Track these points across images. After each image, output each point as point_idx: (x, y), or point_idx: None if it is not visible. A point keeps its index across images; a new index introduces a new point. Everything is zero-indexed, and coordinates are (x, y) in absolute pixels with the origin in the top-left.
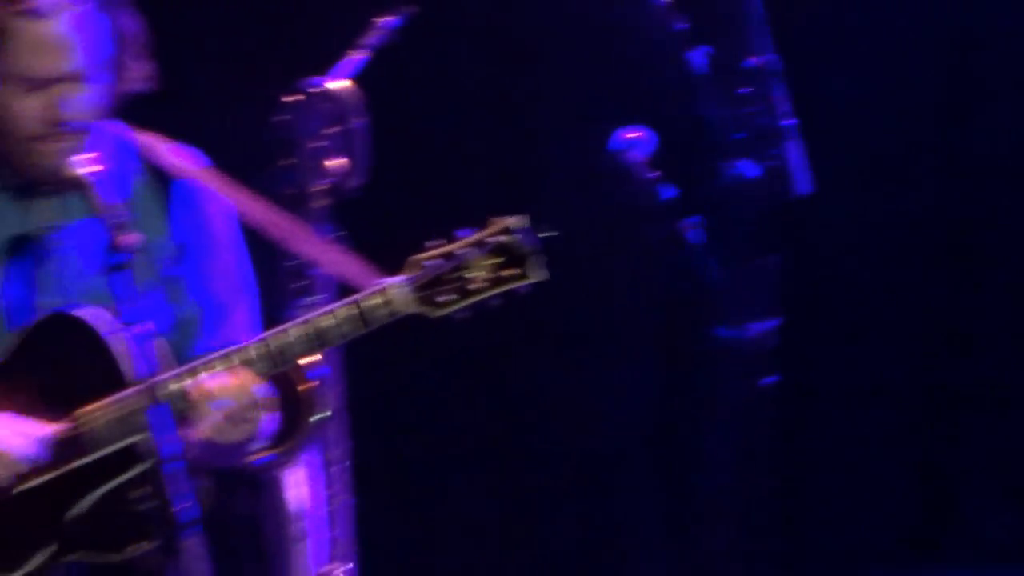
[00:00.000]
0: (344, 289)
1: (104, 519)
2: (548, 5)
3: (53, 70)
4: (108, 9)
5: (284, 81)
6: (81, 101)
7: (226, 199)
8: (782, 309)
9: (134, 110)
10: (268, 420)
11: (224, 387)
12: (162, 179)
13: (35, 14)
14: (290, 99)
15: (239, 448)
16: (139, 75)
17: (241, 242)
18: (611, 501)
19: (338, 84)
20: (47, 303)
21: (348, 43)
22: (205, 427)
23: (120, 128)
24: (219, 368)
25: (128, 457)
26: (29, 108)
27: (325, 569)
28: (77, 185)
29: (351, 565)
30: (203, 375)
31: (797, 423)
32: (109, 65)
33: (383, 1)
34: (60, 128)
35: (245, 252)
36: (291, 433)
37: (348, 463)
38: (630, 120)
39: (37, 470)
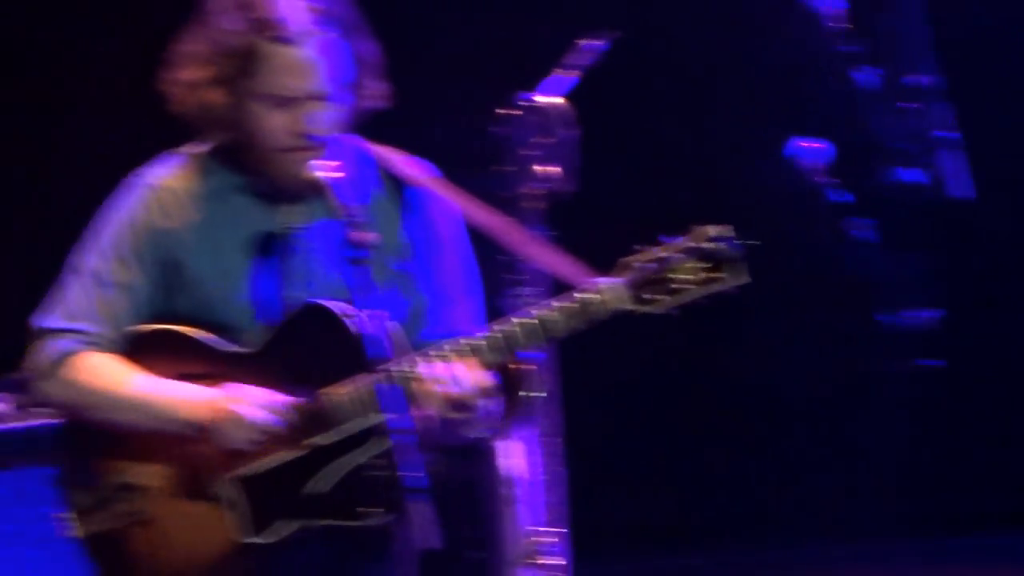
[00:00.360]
0: (558, 287)
1: (344, 489)
2: (738, 32)
3: (299, 90)
4: (349, 35)
5: (502, 96)
6: (323, 117)
7: (452, 204)
8: (944, 301)
9: (371, 124)
10: (491, 405)
11: (453, 375)
12: (396, 186)
13: (285, 40)
14: (507, 112)
15: (463, 428)
16: (375, 94)
17: (467, 243)
18: (788, 461)
19: (549, 99)
20: (292, 296)
21: (558, 62)
22: (433, 409)
23: (357, 141)
24: (450, 355)
25: (366, 433)
26: (277, 123)
27: (539, 531)
28: (319, 189)
29: (564, 529)
30: (436, 362)
31: (957, 404)
32: (349, 85)
33: (592, 25)
34: (304, 141)
35: (470, 252)
36: (513, 406)
37: (560, 437)
38: (807, 131)
39: (285, 442)
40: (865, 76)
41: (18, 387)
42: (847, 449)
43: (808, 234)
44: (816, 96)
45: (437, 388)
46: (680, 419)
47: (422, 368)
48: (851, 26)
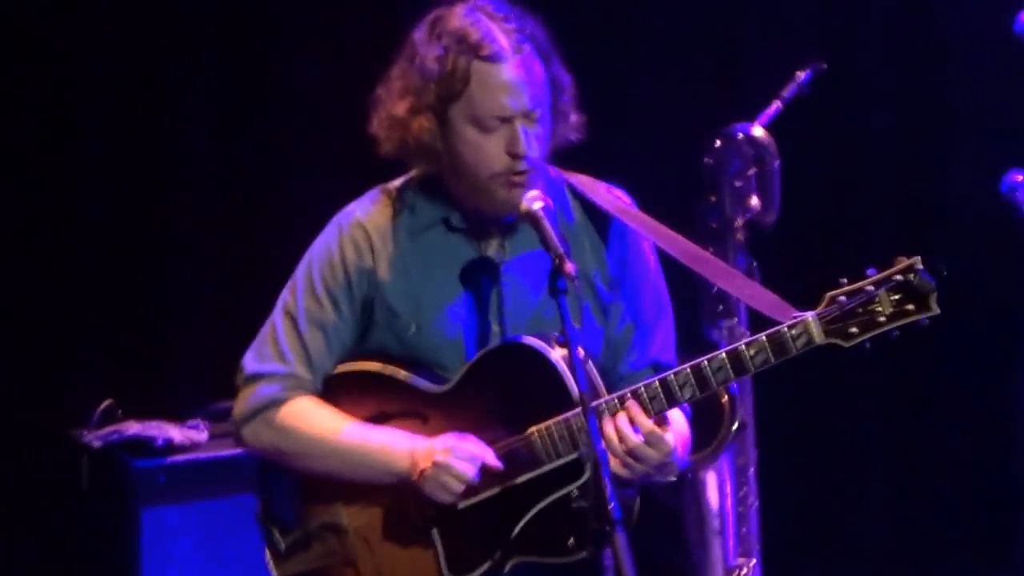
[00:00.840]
0: (756, 318)
1: (547, 526)
2: (950, 64)
3: (512, 108)
4: (544, 56)
5: (710, 125)
6: (534, 137)
7: (648, 233)
8: None
9: (578, 152)
10: (682, 452)
11: (629, 429)
12: (597, 216)
13: (493, 58)
14: (715, 142)
15: (651, 476)
16: (574, 124)
17: (659, 270)
18: (995, 494)
19: (757, 130)
20: (498, 329)
21: (768, 92)
22: (617, 458)
23: (554, 170)
24: (633, 403)
25: (570, 471)
26: (491, 146)
27: (736, 562)
28: (525, 219)
29: (755, 560)
30: (623, 421)
31: None
32: (551, 109)
33: (800, 56)
34: (518, 163)
35: (663, 279)
36: (712, 439)
37: (755, 468)
38: (1019, 163)
39: (490, 484)
40: None
41: (214, 416)
42: None
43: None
44: None
45: (616, 442)
46: (874, 451)
47: (607, 427)
48: None
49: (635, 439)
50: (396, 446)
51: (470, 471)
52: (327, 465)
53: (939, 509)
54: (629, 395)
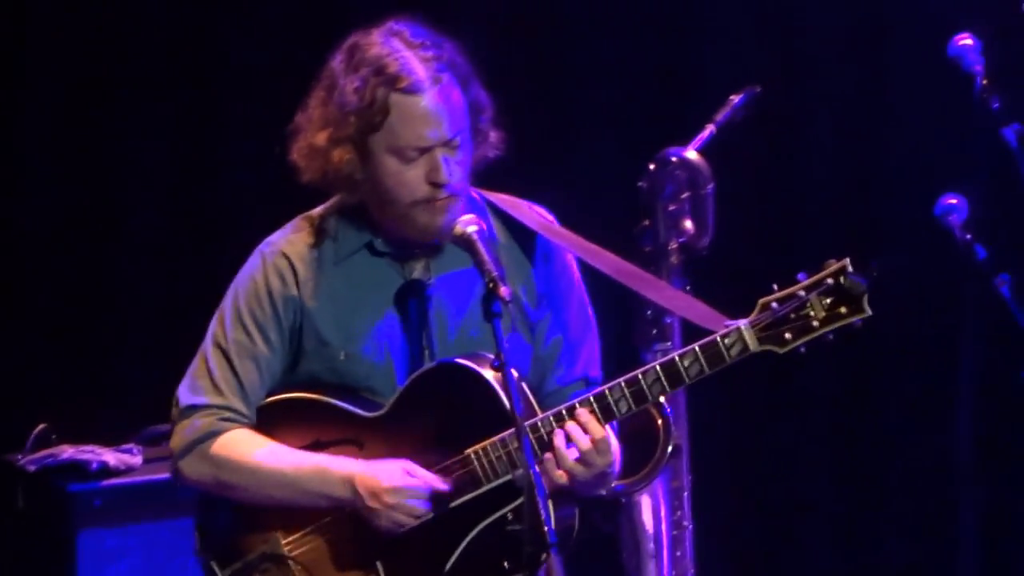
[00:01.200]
0: (695, 335)
1: (487, 547)
2: (877, 88)
3: (431, 138)
4: (463, 81)
5: (646, 150)
6: (455, 165)
7: (575, 249)
8: None
9: (506, 174)
10: (618, 461)
11: (582, 430)
12: (521, 235)
13: (411, 90)
14: (649, 166)
15: (594, 485)
16: (493, 142)
17: (582, 286)
18: (937, 522)
19: (691, 154)
20: (428, 351)
21: (703, 117)
22: (561, 467)
23: (478, 192)
24: (583, 411)
25: (509, 491)
26: (411, 175)
27: None
28: (460, 243)
29: None
30: (566, 422)
31: None
32: (471, 132)
33: (736, 80)
34: (440, 191)
35: (586, 296)
36: (647, 462)
37: (689, 491)
38: (951, 188)
39: (435, 505)
40: (1008, 131)
41: (148, 440)
42: (1001, 512)
43: (956, 289)
44: (961, 151)
45: (565, 450)
46: (814, 470)
47: (557, 427)
48: (989, 81)
49: (586, 444)
50: (332, 469)
51: (421, 505)
52: (266, 494)
53: (880, 532)
54: (575, 405)
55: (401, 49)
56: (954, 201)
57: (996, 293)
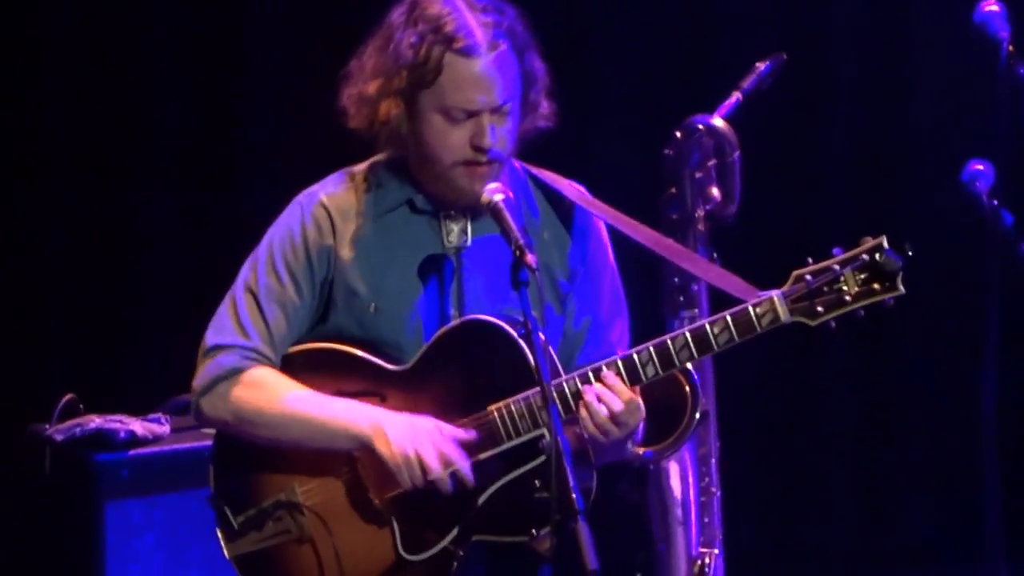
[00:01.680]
0: (722, 303)
1: (505, 505)
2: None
3: (481, 103)
4: (520, 51)
5: (672, 118)
6: (501, 133)
7: (613, 222)
8: None
9: (540, 145)
10: (640, 422)
11: (611, 392)
12: (561, 209)
13: (468, 52)
14: (676, 134)
15: (619, 446)
16: (544, 113)
17: (616, 267)
18: (959, 490)
19: (717, 121)
20: (457, 313)
21: (729, 84)
22: (591, 425)
23: (521, 164)
24: (610, 371)
25: (529, 450)
26: (456, 136)
27: (700, 552)
28: (486, 211)
29: (718, 551)
30: (594, 382)
31: None
32: (522, 102)
33: (762, 48)
34: (481, 156)
35: (618, 272)
36: (675, 429)
37: (717, 458)
38: (977, 154)
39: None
40: None
41: (176, 410)
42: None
43: (981, 256)
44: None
45: (597, 406)
46: (840, 437)
47: (585, 387)
48: (1016, 48)
49: (617, 404)
50: (359, 411)
51: (452, 456)
52: (287, 433)
53: (904, 500)
54: (602, 367)
55: (462, 10)
56: (980, 167)
57: (1022, 259)
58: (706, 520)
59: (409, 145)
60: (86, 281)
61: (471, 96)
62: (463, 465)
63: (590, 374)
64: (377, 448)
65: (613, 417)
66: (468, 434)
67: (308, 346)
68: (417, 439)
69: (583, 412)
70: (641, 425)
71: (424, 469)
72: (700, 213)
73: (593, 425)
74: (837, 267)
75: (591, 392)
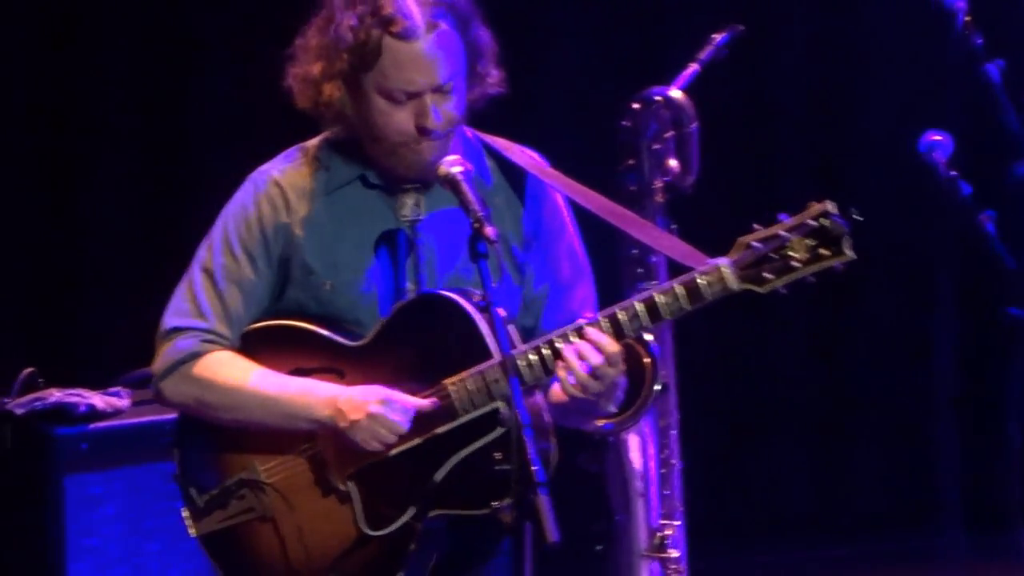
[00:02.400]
0: (680, 273)
1: (464, 479)
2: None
3: (421, 84)
4: (463, 25)
5: (629, 90)
6: (445, 110)
7: (565, 190)
8: None
9: (495, 116)
10: (621, 381)
11: (588, 347)
12: (514, 176)
13: (405, 35)
14: (633, 106)
15: (595, 407)
16: (492, 82)
17: (575, 229)
18: (916, 459)
19: (674, 93)
20: (413, 287)
21: (686, 56)
22: (572, 383)
23: (470, 131)
24: (573, 338)
25: (487, 423)
26: (399, 117)
27: (660, 524)
28: (444, 184)
29: (679, 522)
30: (563, 344)
31: None
32: (468, 74)
33: (717, 19)
34: (426, 135)
35: (579, 238)
36: (634, 400)
37: (677, 430)
38: (934, 125)
39: (408, 436)
40: (990, 68)
41: (136, 383)
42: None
43: (938, 227)
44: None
45: (577, 362)
46: (799, 406)
47: (562, 346)
48: (972, 18)
49: (597, 359)
50: (316, 393)
51: (404, 422)
52: (248, 415)
53: (862, 470)
54: (548, 342)
55: None
56: (938, 138)
57: (981, 229)
58: (666, 492)
59: (355, 124)
60: (42, 253)
61: (412, 77)
62: (410, 407)
63: (551, 341)
64: (336, 424)
65: (595, 371)
66: (423, 402)
67: (266, 323)
68: (368, 403)
69: (561, 372)
70: (622, 383)
71: (384, 427)
72: (658, 184)
73: (572, 382)
74: (784, 233)
75: (571, 350)
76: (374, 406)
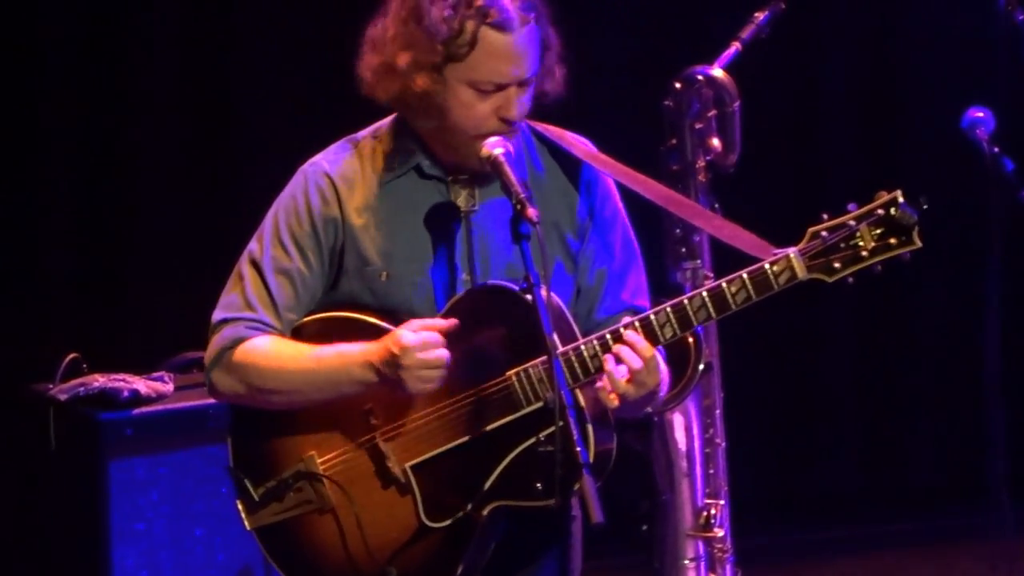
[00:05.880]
0: (724, 253)
1: (526, 470)
2: (901, 3)
3: (512, 76)
4: (543, 22)
5: (671, 69)
6: (523, 104)
7: (620, 177)
8: None
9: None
10: (666, 382)
11: (632, 353)
12: (566, 164)
13: (501, 27)
14: (675, 85)
15: (640, 405)
16: (557, 79)
17: (626, 217)
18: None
19: (716, 71)
20: (468, 277)
21: (728, 35)
22: (615, 391)
23: (524, 121)
24: (630, 332)
25: (547, 412)
26: (483, 109)
27: (705, 503)
28: (486, 165)
29: (724, 501)
30: (612, 346)
31: None
32: (542, 72)
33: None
34: (506, 127)
35: (630, 226)
36: (679, 381)
37: (721, 409)
38: (977, 101)
39: (472, 429)
40: None
41: (179, 368)
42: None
43: (982, 203)
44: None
45: (616, 368)
46: (844, 386)
47: (604, 354)
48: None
49: (637, 364)
50: (350, 357)
51: (437, 353)
52: (296, 392)
53: (907, 448)
54: (620, 329)
55: None
56: (980, 114)
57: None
58: (711, 471)
59: (434, 116)
60: (87, 240)
61: (504, 70)
62: (437, 337)
63: (608, 337)
64: (380, 379)
65: (633, 378)
66: (447, 322)
67: (321, 315)
68: (399, 357)
69: (602, 381)
70: (666, 380)
71: (429, 366)
72: (700, 163)
73: (614, 390)
74: (853, 222)
75: (609, 358)
76: (404, 359)
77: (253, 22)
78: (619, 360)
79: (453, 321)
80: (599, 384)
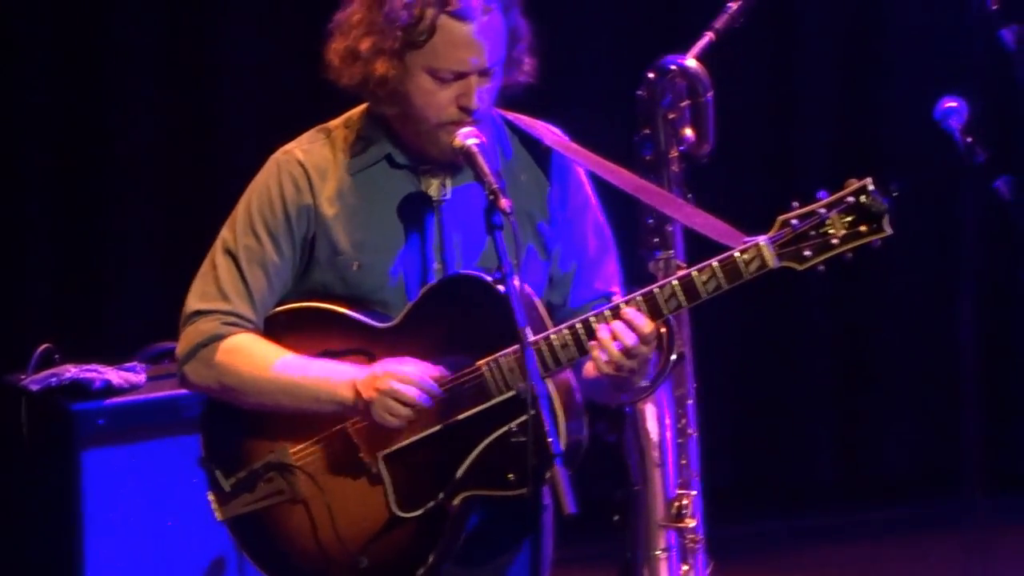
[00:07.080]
0: (697, 243)
1: (497, 460)
2: None
3: (470, 65)
4: (507, 10)
5: (644, 59)
6: (485, 93)
7: (591, 166)
8: None
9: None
10: (653, 357)
11: (626, 325)
12: (537, 153)
13: (461, 16)
14: (648, 75)
15: (628, 383)
16: (526, 69)
17: (599, 205)
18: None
19: (690, 62)
20: (440, 267)
21: (701, 24)
22: (605, 361)
23: (495, 110)
24: (608, 317)
25: (518, 402)
26: (443, 97)
27: (677, 494)
28: (459, 156)
29: (696, 492)
30: (619, 325)
31: None
32: (506, 60)
33: None
34: (465, 115)
35: (603, 214)
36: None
37: (694, 399)
38: (950, 91)
39: (439, 417)
40: (1006, 34)
41: (152, 358)
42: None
43: (953, 192)
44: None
45: (611, 342)
46: (817, 375)
47: (600, 327)
48: None
49: (632, 339)
50: (337, 376)
51: (413, 393)
52: (272, 400)
53: (881, 436)
54: (584, 322)
55: None
56: (954, 104)
57: (996, 195)
58: (683, 462)
59: (395, 102)
60: (61, 230)
61: (463, 58)
62: (426, 382)
63: (579, 327)
64: (358, 404)
65: (628, 351)
66: (435, 369)
67: (293, 305)
68: (378, 380)
69: (595, 351)
70: (654, 358)
71: (399, 400)
72: (674, 154)
73: (605, 359)
74: (823, 210)
75: (605, 329)
76: (380, 383)
77: (232, 13)
78: (615, 335)
79: (436, 371)
80: (593, 352)
